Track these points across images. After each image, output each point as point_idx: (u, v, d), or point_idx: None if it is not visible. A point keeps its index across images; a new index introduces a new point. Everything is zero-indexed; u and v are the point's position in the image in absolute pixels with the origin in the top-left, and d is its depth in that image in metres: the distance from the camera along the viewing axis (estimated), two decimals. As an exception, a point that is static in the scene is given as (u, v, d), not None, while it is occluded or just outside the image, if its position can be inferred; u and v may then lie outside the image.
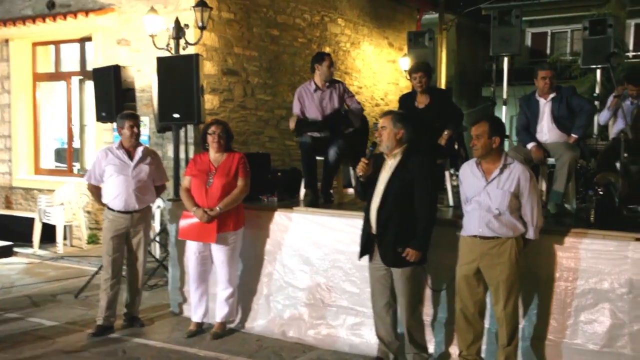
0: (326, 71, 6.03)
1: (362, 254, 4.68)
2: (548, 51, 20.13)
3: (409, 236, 4.40)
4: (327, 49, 10.79)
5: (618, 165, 6.22)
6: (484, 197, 4.27)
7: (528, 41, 20.01)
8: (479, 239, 4.28)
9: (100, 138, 9.08)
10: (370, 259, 4.65)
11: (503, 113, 8.89)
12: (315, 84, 6.07)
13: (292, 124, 6.02)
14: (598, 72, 8.57)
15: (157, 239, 7.79)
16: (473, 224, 4.32)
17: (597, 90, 8.46)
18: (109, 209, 5.47)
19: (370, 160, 4.57)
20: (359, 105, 6.25)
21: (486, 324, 4.50)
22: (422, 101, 5.91)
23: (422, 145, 5.13)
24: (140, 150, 5.54)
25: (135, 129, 5.48)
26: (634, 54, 16.05)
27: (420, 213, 4.40)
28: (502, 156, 4.31)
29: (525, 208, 4.23)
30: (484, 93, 18.81)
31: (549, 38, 20.43)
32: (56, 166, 10.56)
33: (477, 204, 4.29)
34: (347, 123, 6.06)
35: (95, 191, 5.63)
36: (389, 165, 4.53)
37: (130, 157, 5.50)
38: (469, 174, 4.42)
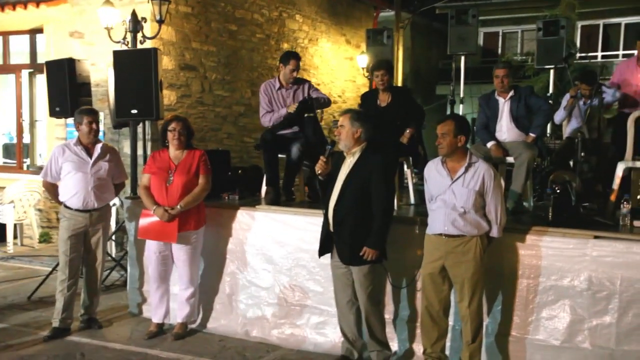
0: (288, 74, 5.93)
1: (321, 252, 4.68)
2: (499, 51, 20.54)
3: (366, 234, 4.41)
4: (285, 45, 10.75)
5: (571, 163, 6.42)
6: (449, 195, 4.30)
7: (480, 41, 20.35)
8: (444, 237, 4.31)
9: (52, 133, 8.80)
10: (332, 257, 4.67)
11: (460, 111, 9.01)
12: (279, 81, 6.00)
13: (292, 108, 5.84)
14: (552, 72, 8.78)
15: (113, 237, 7.60)
16: (438, 222, 4.34)
17: (551, 90, 8.66)
18: (66, 207, 5.29)
19: (328, 159, 4.57)
20: (325, 95, 6.20)
21: (450, 322, 4.55)
22: (383, 99, 5.92)
23: (382, 143, 5.16)
24: (99, 147, 5.38)
25: (94, 125, 5.31)
26: (581, 55, 16.52)
27: (376, 211, 4.41)
28: (467, 155, 4.35)
29: (490, 206, 4.29)
30: (438, 91, 19.08)
31: (500, 38, 20.84)
32: (4, 162, 10.19)
33: (443, 203, 4.32)
34: (309, 109, 5.94)
35: (52, 189, 5.43)
36: (348, 164, 4.55)
37: (89, 154, 5.33)
38: (434, 173, 4.44)
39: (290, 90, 6.00)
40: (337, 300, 4.73)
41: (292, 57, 5.96)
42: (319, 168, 4.57)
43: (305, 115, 5.81)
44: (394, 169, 5.53)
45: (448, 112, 15.10)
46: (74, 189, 5.24)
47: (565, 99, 6.90)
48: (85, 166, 5.27)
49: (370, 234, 4.40)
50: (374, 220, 4.41)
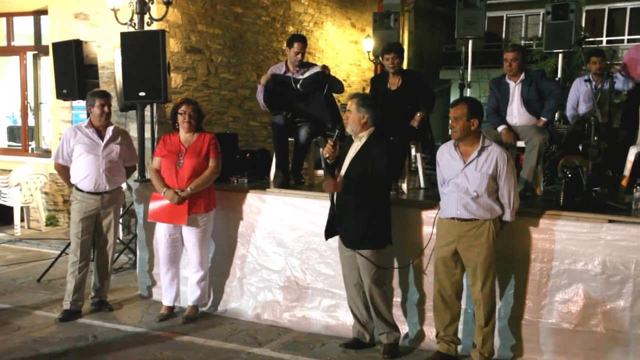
0: (293, 57, 5.86)
1: (328, 235, 4.70)
2: (503, 35, 20.44)
3: (368, 219, 4.41)
4: (291, 29, 10.68)
5: (580, 147, 6.39)
6: (462, 179, 4.27)
7: (485, 25, 20.26)
8: (456, 221, 4.30)
9: (58, 116, 8.76)
10: (339, 240, 4.67)
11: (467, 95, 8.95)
12: (286, 65, 5.94)
13: (263, 80, 5.83)
14: (560, 56, 8.72)
15: (121, 221, 7.58)
16: (451, 206, 4.32)
17: (559, 75, 8.61)
18: (78, 189, 5.28)
19: (336, 143, 4.56)
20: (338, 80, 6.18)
21: (463, 305, 4.54)
22: (394, 83, 5.88)
23: (391, 128, 5.17)
24: (110, 129, 5.35)
25: (106, 108, 5.27)
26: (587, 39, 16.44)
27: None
28: (480, 138, 4.32)
29: (503, 190, 4.26)
30: (442, 76, 19.02)
31: (504, 22, 20.74)
32: (9, 145, 10.16)
33: (455, 186, 4.30)
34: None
35: (63, 171, 5.41)
36: (354, 148, 4.55)
37: (100, 136, 5.31)
38: (447, 156, 4.41)
39: (297, 75, 5.93)
40: (346, 283, 4.75)
41: (296, 39, 5.88)
42: (326, 152, 4.55)
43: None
44: (402, 153, 5.52)
45: (454, 97, 15.05)
46: (85, 172, 5.23)
47: (573, 94, 6.88)
48: (96, 149, 5.26)
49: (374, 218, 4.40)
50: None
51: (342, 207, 4.50)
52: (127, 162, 5.53)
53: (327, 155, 4.55)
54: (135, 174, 6.89)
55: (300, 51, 5.85)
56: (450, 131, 4.37)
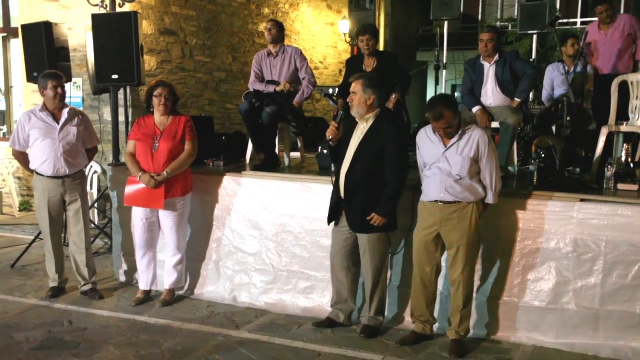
0: (267, 35, 6.06)
1: (330, 220, 4.62)
2: (480, 17, 20.43)
3: (378, 202, 4.38)
4: (266, 10, 10.60)
5: (554, 128, 6.46)
6: (444, 163, 4.24)
7: (460, 7, 20.23)
8: (440, 204, 4.26)
9: (29, 100, 8.60)
10: (336, 224, 4.63)
11: (443, 78, 8.99)
12: (269, 49, 6.07)
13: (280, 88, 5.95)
14: (534, 37, 8.77)
15: (96, 205, 7.51)
16: (434, 189, 4.29)
17: (534, 56, 8.66)
18: (38, 174, 5.21)
19: (340, 125, 4.49)
20: (312, 86, 6.11)
21: (439, 287, 4.57)
22: (369, 64, 5.87)
23: (395, 111, 5.20)
24: (66, 112, 5.23)
25: (59, 90, 5.15)
26: (561, 21, 16.50)
27: (389, 180, 4.37)
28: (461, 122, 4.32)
29: (485, 172, 4.24)
30: (419, 58, 19.00)
31: (480, 4, 20.72)
32: (-21, 130, 9.98)
33: (438, 170, 4.26)
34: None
35: (22, 157, 5.32)
36: (361, 130, 4.47)
37: (56, 119, 5.20)
38: (427, 140, 4.37)
39: (277, 59, 6.04)
40: (335, 266, 4.69)
41: (268, 21, 6.16)
42: (330, 134, 4.48)
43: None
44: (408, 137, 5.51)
45: (430, 79, 15.04)
46: (43, 156, 5.14)
47: (548, 81, 6.93)
48: (53, 132, 5.15)
49: (381, 201, 4.36)
50: (387, 189, 4.36)
51: (352, 191, 4.42)
52: (87, 144, 5.42)
53: (330, 137, 4.49)
54: (110, 158, 6.82)
55: (270, 28, 6.03)
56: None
